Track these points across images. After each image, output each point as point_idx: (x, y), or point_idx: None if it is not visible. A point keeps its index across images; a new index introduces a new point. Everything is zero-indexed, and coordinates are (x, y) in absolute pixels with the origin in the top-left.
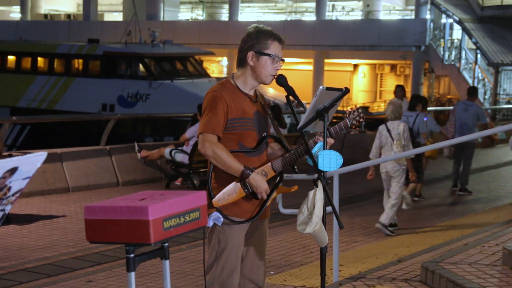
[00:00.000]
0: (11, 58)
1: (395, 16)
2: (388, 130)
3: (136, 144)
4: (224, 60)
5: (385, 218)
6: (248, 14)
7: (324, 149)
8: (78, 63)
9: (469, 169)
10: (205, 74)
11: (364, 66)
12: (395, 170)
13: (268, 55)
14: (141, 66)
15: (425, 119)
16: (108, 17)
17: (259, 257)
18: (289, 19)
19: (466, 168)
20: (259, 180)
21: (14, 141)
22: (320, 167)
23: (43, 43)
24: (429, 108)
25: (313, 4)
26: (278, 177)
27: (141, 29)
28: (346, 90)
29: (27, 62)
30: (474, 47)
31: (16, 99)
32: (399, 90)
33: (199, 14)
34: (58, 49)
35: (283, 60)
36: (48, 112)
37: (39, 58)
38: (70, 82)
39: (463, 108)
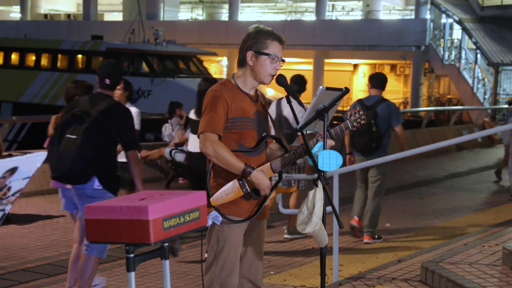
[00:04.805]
0: (14, 54)
1: (395, 16)
2: None
3: None
4: (224, 60)
5: None
6: (248, 14)
7: (324, 149)
8: (81, 59)
9: None
10: (207, 74)
11: (364, 66)
12: None
13: (267, 54)
14: (143, 63)
15: None
16: (108, 17)
17: (257, 256)
18: (289, 19)
19: None
20: (260, 177)
21: (15, 137)
22: (320, 167)
23: (46, 39)
24: (428, 108)
25: (313, 4)
26: (277, 177)
27: (144, 28)
28: (346, 90)
29: (30, 58)
30: (474, 47)
31: (18, 94)
32: None
33: (199, 14)
34: (62, 45)
35: (283, 61)
36: (50, 107)
37: (42, 54)
38: (73, 78)
39: None
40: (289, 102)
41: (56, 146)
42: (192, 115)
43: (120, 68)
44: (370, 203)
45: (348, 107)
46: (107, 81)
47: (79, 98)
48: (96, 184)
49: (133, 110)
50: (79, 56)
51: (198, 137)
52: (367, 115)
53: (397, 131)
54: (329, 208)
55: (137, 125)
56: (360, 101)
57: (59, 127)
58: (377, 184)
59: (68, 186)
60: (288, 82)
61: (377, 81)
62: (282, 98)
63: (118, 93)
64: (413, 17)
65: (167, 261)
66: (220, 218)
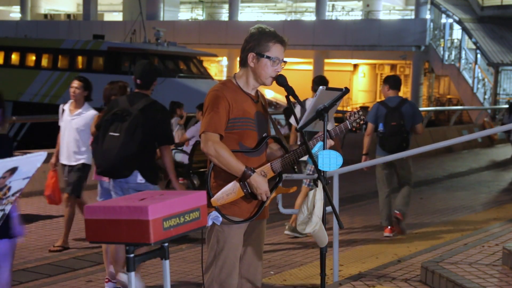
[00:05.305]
0: (15, 53)
1: (395, 16)
2: None
3: None
4: (224, 60)
5: None
6: (248, 14)
7: (324, 149)
8: (82, 59)
9: None
10: (208, 76)
11: (364, 66)
12: None
13: (268, 57)
14: None
15: None
16: (108, 17)
17: (256, 257)
18: (289, 19)
19: None
20: (259, 182)
21: (15, 135)
22: (320, 167)
23: (47, 39)
24: (428, 108)
25: (313, 4)
26: (277, 178)
27: (145, 28)
28: (346, 90)
29: (31, 58)
30: (474, 47)
31: (19, 93)
32: None
33: (199, 14)
34: (63, 44)
35: (285, 62)
36: (51, 106)
37: (43, 54)
38: (73, 77)
39: None
40: (288, 102)
41: (100, 143)
42: None
43: (151, 68)
44: (405, 193)
45: (348, 107)
46: (138, 81)
47: (118, 98)
48: (139, 178)
49: (92, 113)
50: (81, 55)
51: (200, 137)
52: (396, 117)
53: (418, 128)
54: (329, 208)
55: None
56: (383, 103)
57: (102, 125)
58: (410, 181)
59: (105, 179)
60: (312, 83)
61: (395, 82)
62: (307, 98)
63: (77, 92)
64: (413, 17)
65: (167, 261)
66: (220, 219)
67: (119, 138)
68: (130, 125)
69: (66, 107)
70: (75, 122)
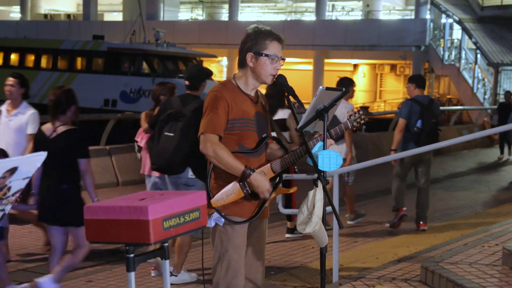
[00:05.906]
0: (15, 54)
1: (395, 16)
2: None
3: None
4: (224, 60)
5: None
6: (248, 14)
7: (324, 149)
8: (82, 59)
9: None
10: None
11: (364, 66)
12: None
13: (267, 55)
14: (144, 63)
15: None
16: (108, 17)
17: (258, 256)
18: (289, 19)
19: None
20: (260, 180)
21: None
22: (320, 167)
23: (47, 39)
24: None
25: (313, 4)
26: (278, 178)
27: (145, 29)
28: (346, 90)
29: (31, 58)
30: (474, 47)
31: None
32: None
33: (199, 14)
34: (63, 45)
35: (283, 59)
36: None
37: (43, 54)
38: (73, 78)
39: None
40: (288, 102)
41: (156, 142)
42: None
43: (199, 70)
44: (425, 194)
45: None
46: (187, 82)
47: (171, 98)
48: (190, 174)
49: (30, 112)
50: (80, 56)
51: (199, 138)
52: (431, 114)
53: None
54: (329, 208)
55: (34, 129)
56: (415, 100)
57: (158, 125)
58: (428, 178)
59: (156, 174)
60: (338, 84)
61: (421, 81)
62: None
63: (12, 89)
64: (413, 17)
65: (167, 261)
66: (223, 219)
67: (174, 138)
68: (184, 126)
69: (3, 108)
70: (13, 124)
